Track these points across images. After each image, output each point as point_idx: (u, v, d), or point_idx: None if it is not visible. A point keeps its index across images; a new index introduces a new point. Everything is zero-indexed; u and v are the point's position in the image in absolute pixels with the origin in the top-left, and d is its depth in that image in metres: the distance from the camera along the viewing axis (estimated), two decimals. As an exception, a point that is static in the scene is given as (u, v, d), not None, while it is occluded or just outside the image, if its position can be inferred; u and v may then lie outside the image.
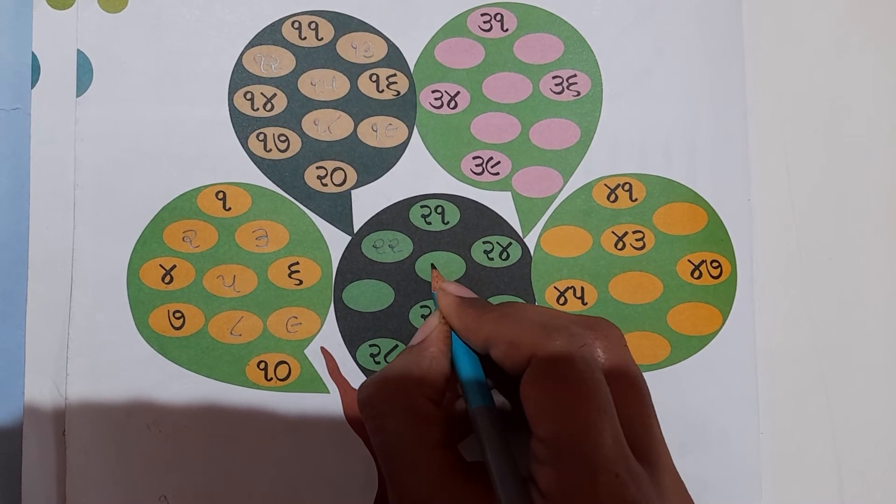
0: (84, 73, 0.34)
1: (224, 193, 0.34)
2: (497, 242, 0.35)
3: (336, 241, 0.34)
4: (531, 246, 0.35)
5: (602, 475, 0.22)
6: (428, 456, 0.25)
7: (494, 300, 0.34)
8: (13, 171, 0.34)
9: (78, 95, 0.34)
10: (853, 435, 0.35)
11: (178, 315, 0.34)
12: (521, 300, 0.35)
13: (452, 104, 0.35)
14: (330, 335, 0.34)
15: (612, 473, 0.22)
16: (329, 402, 0.34)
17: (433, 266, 0.33)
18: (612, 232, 0.35)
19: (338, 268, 0.34)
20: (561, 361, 0.24)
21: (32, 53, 0.34)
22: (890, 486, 0.35)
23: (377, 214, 0.35)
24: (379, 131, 0.35)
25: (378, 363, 0.34)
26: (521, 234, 0.35)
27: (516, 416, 0.28)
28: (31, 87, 0.34)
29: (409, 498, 0.24)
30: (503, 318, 0.26)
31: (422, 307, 0.34)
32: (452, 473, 0.24)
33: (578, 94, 0.35)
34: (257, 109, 0.35)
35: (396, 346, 0.34)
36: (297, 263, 0.34)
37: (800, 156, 0.36)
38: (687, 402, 0.34)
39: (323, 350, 0.34)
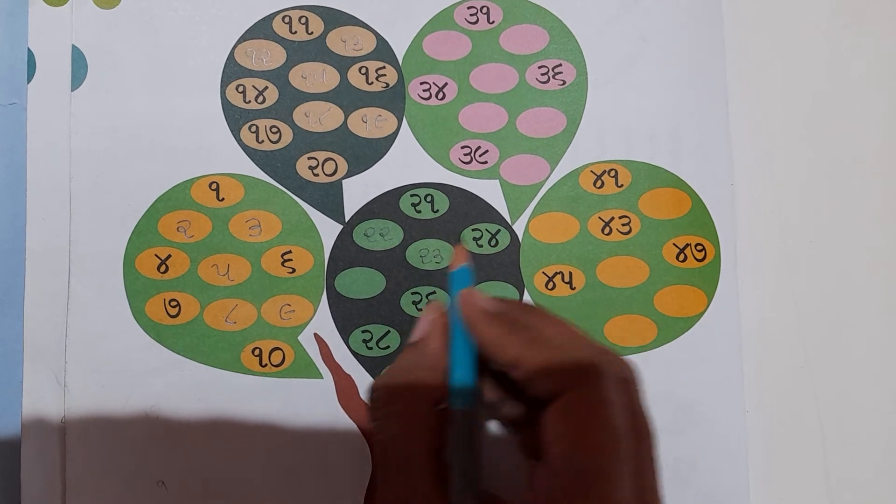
0: (79, 67, 0.35)
1: (217, 184, 0.35)
2: (486, 229, 0.35)
3: (328, 230, 0.35)
4: (520, 232, 0.36)
5: None
6: (419, 462, 0.25)
7: (485, 287, 0.35)
8: (10, 165, 0.35)
9: (73, 90, 0.35)
10: (837, 412, 0.36)
11: (173, 303, 0.34)
12: (511, 286, 0.35)
13: (441, 95, 0.36)
14: (323, 322, 0.35)
15: None
16: (323, 387, 0.34)
17: (461, 240, 0.33)
18: (599, 217, 0.36)
19: (330, 256, 0.35)
20: (595, 404, 0.24)
21: (28, 49, 0.35)
22: (874, 463, 0.36)
23: (368, 203, 0.35)
24: (369, 122, 0.36)
25: (370, 349, 0.35)
26: (509, 221, 0.36)
27: (500, 410, 0.28)
28: (28, 82, 0.35)
29: (397, 499, 0.25)
30: (533, 342, 0.25)
31: (412, 294, 0.35)
32: (438, 479, 0.25)
33: (564, 83, 0.36)
34: (249, 102, 0.35)
35: (388, 331, 0.35)
36: (290, 252, 0.35)
37: (782, 140, 0.37)
38: (674, 383, 0.35)
39: (316, 336, 0.35)
